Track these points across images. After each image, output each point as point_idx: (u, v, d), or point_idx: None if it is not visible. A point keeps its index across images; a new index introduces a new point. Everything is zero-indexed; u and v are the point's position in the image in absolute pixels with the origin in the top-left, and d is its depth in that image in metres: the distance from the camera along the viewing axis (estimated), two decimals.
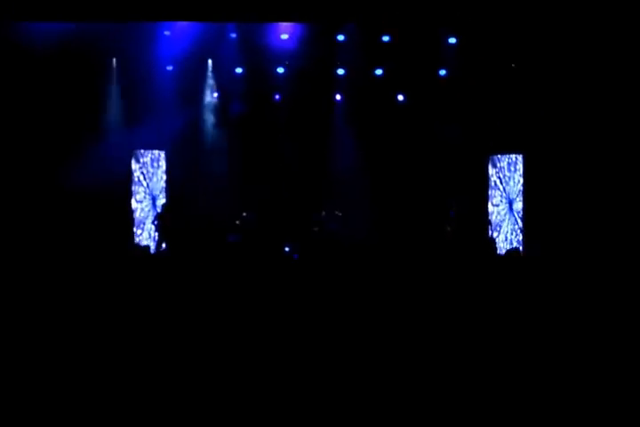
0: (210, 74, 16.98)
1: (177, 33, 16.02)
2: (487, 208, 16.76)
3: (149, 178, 16.95)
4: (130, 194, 16.63)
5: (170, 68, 16.57)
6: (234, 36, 16.54)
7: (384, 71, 16.83)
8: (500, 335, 7.48)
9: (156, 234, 16.13)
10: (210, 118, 17.08)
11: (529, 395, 5.99)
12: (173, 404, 5.89)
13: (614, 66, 14.98)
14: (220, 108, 17.16)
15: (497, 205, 16.75)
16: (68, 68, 15.52)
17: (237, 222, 16.10)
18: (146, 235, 16.76)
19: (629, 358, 6.76)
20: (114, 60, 16.38)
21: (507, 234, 16.67)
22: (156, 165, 17.09)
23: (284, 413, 5.75)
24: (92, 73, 15.83)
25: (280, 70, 16.87)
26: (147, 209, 16.91)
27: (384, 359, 6.84)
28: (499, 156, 16.72)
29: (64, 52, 15.23)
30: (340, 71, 16.95)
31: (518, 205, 16.42)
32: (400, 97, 17.13)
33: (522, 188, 16.40)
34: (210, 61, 16.91)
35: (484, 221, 16.36)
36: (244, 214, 16.26)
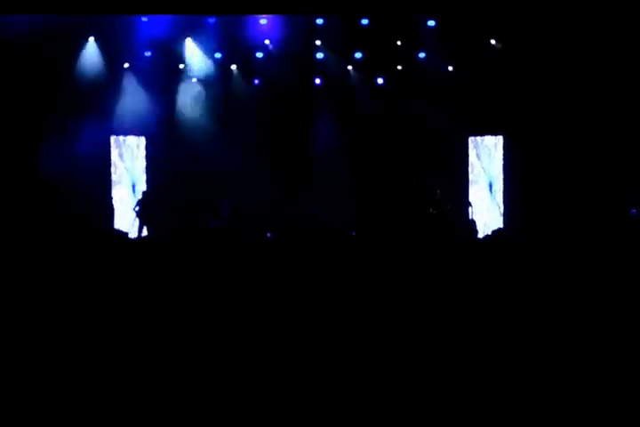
0: (189, 56, 16.77)
1: (154, 18, 15.86)
2: (468, 190, 16.83)
3: (130, 164, 16.90)
4: (110, 180, 16.55)
5: (148, 53, 16.47)
6: (212, 20, 16.41)
7: (363, 55, 16.80)
8: (484, 319, 7.51)
9: (137, 220, 16.06)
10: (189, 103, 16.97)
11: (518, 380, 6.00)
12: (161, 393, 5.88)
13: (596, 48, 15.01)
14: (198, 93, 17.06)
15: (477, 187, 16.86)
16: (43, 51, 15.31)
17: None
18: (126, 221, 16.67)
19: (616, 338, 6.80)
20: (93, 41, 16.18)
21: (487, 216, 16.77)
22: (136, 150, 17.02)
23: (272, 407, 5.74)
24: (68, 57, 15.68)
25: (259, 55, 16.79)
26: (127, 195, 16.84)
27: (371, 345, 6.84)
28: (479, 137, 16.79)
29: (39, 35, 14.99)
30: (320, 55, 16.90)
31: (498, 187, 16.51)
32: (380, 80, 17.12)
33: (502, 169, 16.49)
34: (188, 41, 16.62)
35: (465, 202, 16.43)
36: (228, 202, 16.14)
